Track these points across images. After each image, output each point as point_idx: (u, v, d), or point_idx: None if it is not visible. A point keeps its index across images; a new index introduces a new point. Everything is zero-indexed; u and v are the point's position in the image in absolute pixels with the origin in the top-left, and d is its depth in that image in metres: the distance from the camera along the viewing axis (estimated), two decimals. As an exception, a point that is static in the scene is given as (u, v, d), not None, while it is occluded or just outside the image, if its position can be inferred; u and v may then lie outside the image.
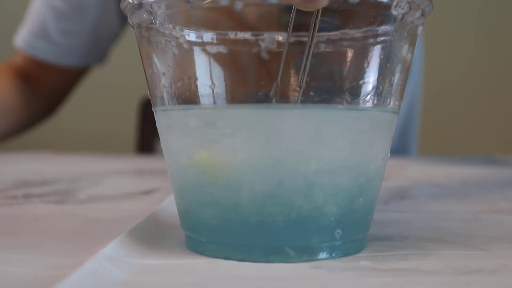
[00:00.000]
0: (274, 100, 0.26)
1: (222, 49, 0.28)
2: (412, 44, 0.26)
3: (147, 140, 1.04)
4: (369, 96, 0.24)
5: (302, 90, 0.24)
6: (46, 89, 0.87)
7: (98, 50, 0.87)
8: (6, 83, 0.82)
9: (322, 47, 0.26)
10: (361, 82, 0.24)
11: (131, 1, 0.24)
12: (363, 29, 0.24)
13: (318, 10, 0.23)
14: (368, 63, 0.24)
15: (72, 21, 0.82)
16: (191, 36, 0.28)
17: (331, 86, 0.25)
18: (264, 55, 0.29)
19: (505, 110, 1.64)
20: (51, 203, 0.38)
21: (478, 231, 0.30)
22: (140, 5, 0.24)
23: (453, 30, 1.63)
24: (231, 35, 0.29)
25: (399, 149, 0.85)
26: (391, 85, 0.25)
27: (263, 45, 0.29)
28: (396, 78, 0.25)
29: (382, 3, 0.23)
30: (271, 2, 0.22)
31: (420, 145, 0.95)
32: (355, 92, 0.24)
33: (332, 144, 0.23)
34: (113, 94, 1.64)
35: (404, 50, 0.25)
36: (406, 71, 0.25)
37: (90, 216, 0.34)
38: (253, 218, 0.24)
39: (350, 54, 0.24)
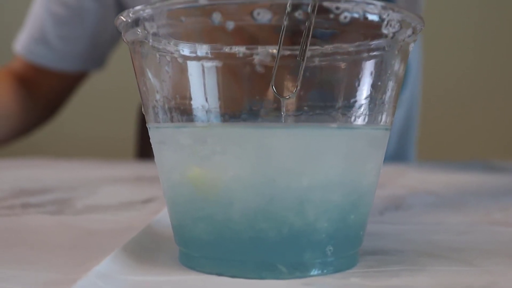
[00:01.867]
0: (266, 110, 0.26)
1: (216, 63, 0.28)
2: (404, 60, 0.26)
3: (146, 144, 1.03)
4: (360, 113, 0.24)
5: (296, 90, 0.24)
6: (45, 94, 0.87)
7: (97, 55, 0.88)
8: (5, 88, 0.82)
9: (315, 62, 0.26)
10: (352, 99, 0.24)
11: (124, 19, 0.24)
12: (354, 45, 0.25)
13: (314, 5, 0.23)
14: (359, 80, 0.24)
15: (71, 26, 0.83)
16: (186, 51, 0.28)
17: (322, 103, 0.25)
18: (259, 69, 0.29)
19: (503, 115, 1.64)
20: (48, 214, 0.38)
21: (471, 244, 0.31)
22: (134, 23, 0.24)
23: (451, 36, 1.63)
24: (226, 49, 0.29)
25: (397, 155, 0.85)
26: (383, 102, 0.25)
27: (257, 58, 0.29)
28: (388, 95, 0.25)
29: (372, 22, 0.23)
30: (262, 22, 0.22)
31: (418, 150, 0.95)
32: (347, 109, 0.24)
33: (323, 162, 0.23)
34: (113, 98, 1.65)
35: (396, 67, 0.25)
36: (398, 88, 0.26)
37: (86, 227, 0.34)
38: (245, 233, 0.24)
39: (341, 70, 0.25)
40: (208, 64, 0.28)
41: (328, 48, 0.25)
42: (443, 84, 1.61)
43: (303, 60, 0.24)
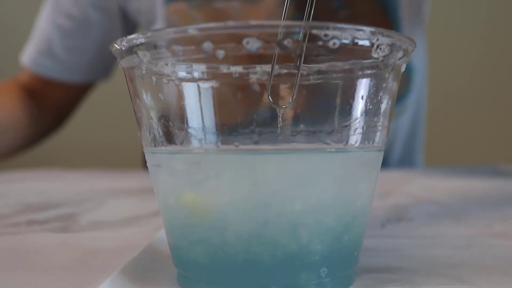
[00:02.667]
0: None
1: (213, 83, 0.28)
2: (396, 80, 0.26)
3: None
4: (353, 136, 0.25)
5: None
6: (52, 105, 0.88)
7: (104, 66, 0.88)
8: (13, 99, 0.83)
9: (309, 81, 0.26)
10: (344, 121, 0.24)
11: (118, 47, 0.25)
12: (345, 68, 0.25)
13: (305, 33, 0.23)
14: (350, 103, 0.24)
15: (77, 38, 0.84)
16: (182, 72, 0.29)
17: (314, 125, 0.25)
18: (256, 88, 0.29)
19: (511, 118, 1.63)
20: (52, 231, 0.39)
21: (470, 260, 0.31)
22: (128, 51, 0.24)
23: (457, 38, 1.63)
24: (223, 69, 0.30)
25: (404, 160, 0.85)
26: (375, 123, 0.25)
27: (254, 77, 0.29)
28: (380, 116, 0.25)
29: (362, 47, 0.23)
30: (251, 51, 0.23)
31: (426, 154, 0.94)
32: (339, 132, 0.24)
33: (316, 185, 0.24)
34: (122, 106, 1.66)
35: (388, 89, 0.25)
36: (391, 109, 0.26)
37: (88, 246, 0.35)
38: (240, 257, 0.24)
39: (331, 92, 0.25)
40: (204, 85, 0.28)
41: (321, 67, 0.26)
42: (450, 87, 1.61)
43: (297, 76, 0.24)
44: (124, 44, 0.24)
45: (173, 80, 0.28)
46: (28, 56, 0.85)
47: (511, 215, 0.44)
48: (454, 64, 1.62)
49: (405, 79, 0.79)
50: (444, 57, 1.55)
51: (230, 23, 0.22)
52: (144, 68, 0.25)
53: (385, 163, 0.83)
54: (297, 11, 0.62)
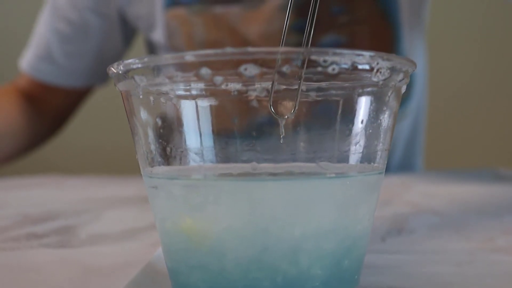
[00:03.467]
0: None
1: (212, 101, 0.28)
2: (397, 100, 0.26)
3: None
4: (354, 160, 0.24)
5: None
6: (51, 110, 0.88)
7: (103, 70, 0.88)
8: (11, 104, 0.83)
9: (306, 100, 0.26)
10: (344, 147, 0.24)
11: (115, 70, 0.24)
12: (344, 91, 0.25)
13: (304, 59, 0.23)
14: (351, 127, 0.24)
15: (76, 43, 0.83)
16: (179, 91, 0.28)
17: (313, 152, 0.25)
18: (255, 105, 0.29)
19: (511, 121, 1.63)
20: (51, 247, 0.39)
21: (470, 278, 0.30)
22: (124, 75, 0.24)
23: (457, 42, 1.62)
24: (222, 86, 0.29)
25: (404, 165, 0.85)
26: (376, 147, 0.25)
27: (253, 94, 0.29)
28: (381, 140, 0.25)
29: (362, 71, 0.23)
30: (250, 77, 0.22)
31: (426, 158, 0.94)
32: (340, 156, 0.24)
33: (316, 211, 0.23)
34: (121, 109, 1.65)
35: (388, 112, 0.25)
36: (391, 130, 0.26)
37: (87, 263, 0.34)
38: (239, 283, 0.24)
39: (332, 118, 0.25)
40: (203, 103, 0.28)
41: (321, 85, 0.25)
42: (450, 90, 1.60)
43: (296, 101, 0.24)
44: (121, 68, 0.24)
45: (170, 99, 0.28)
46: (27, 61, 0.85)
47: (512, 225, 0.44)
48: (454, 66, 1.62)
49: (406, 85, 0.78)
50: (445, 59, 1.54)
51: (228, 49, 0.21)
52: (141, 93, 0.24)
53: (385, 168, 0.82)
54: (298, 18, 0.62)
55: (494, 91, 1.66)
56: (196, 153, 0.27)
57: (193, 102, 0.27)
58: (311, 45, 0.25)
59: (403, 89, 0.26)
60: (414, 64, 0.25)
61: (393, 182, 0.71)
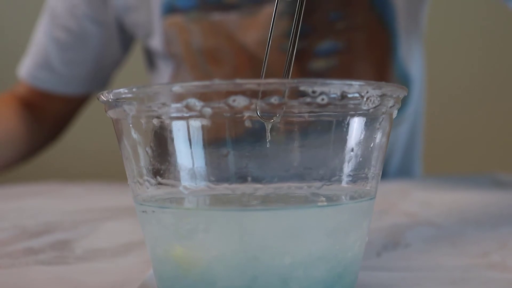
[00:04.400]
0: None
1: (204, 122, 0.28)
2: (389, 124, 0.26)
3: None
4: (344, 188, 0.24)
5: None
6: (50, 117, 0.88)
7: (101, 77, 0.88)
8: (10, 112, 0.83)
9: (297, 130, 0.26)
10: (334, 176, 0.24)
11: (105, 98, 0.24)
12: (334, 119, 0.25)
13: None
14: (340, 156, 0.24)
15: (74, 51, 0.83)
16: (172, 113, 0.28)
17: (303, 180, 0.25)
18: (248, 125, 0.29)
19: (510, 126, 1.63)
20: (48, 264, 0.39)
21: (464, 298, 0.30)
22: (115, 103, 0.24)
23: (455, 47, 1.62)
24: (214, 104, 0.29)
25: (403, 169, 0.85)
26: (367, 174, 0.25)
27: (246, 115, 0.29)
28: (372, 166, 0.25)
29: (351, 99, 0.23)
30: (238, 107, 0.22)
31: (425, 163, 0.94)
32: (330, 184, 0.24)
33: (307, 239, 0.23)
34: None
35: (378, 138, 0.25)
36: (382, 157, 0.25)
37: (81, 281, 0.34)
38: (230, 311, 0.24)
39: (322, 146, 0.25)
40: (195, 123, 0.28)
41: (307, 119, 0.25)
42: (448, 94, 1.60)
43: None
44: (111, 97, 0.24)
45: (162, 120, 0.27)
46: (25, 69, 0.85)
47: (508, 237, 0.44)
48: (452, 71, 1.62)
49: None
50: (443, 64, 1.54)
51: (216, 81, 0.21)
52: (130, 122, 0.24)
53: (384, 173, 0.82)
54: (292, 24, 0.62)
55: (492, 95, 1.66)
56: (188, 173, 0.27)
57: (184, 123, 0.27)
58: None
59: (395, 114, 0.26)
60: (405, 89, 0.25)
61: (391, 188, 0.71)
